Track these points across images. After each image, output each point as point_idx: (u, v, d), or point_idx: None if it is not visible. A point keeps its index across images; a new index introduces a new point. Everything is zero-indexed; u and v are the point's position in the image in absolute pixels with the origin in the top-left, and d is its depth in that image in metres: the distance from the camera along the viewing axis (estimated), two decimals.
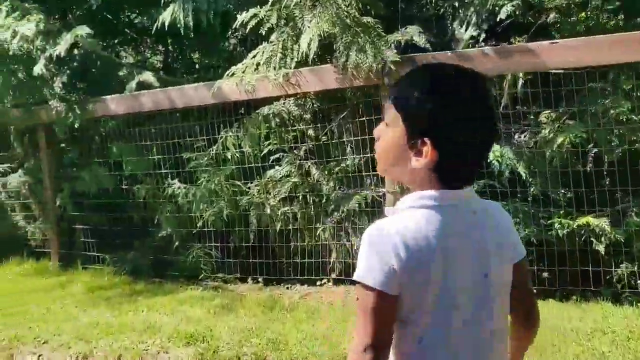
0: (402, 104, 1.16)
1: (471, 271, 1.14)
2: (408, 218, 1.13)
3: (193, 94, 4.79)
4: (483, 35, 4.50)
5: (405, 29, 4.20)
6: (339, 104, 4.46)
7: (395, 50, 3.87)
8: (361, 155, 4.33)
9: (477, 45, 4.43)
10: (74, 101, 5.36)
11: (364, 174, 4.33)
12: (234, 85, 4.38)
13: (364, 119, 4.22)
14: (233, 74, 4.47)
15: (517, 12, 4.31)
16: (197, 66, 6.63)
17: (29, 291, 4.74)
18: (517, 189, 4.04)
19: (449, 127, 1.12)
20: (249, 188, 4.72)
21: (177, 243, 5.10)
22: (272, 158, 4.69)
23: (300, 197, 4.56)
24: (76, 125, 5.32)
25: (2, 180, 6.12)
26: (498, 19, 4.29)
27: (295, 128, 4.59)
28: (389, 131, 1.19)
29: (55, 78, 5.41)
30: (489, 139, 1.19)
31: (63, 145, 5.87)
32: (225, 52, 6.04)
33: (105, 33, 6.40)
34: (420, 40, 4.13)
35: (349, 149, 4.48)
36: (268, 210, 4.59)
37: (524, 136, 4.18)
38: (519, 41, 4.19)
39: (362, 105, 4.33)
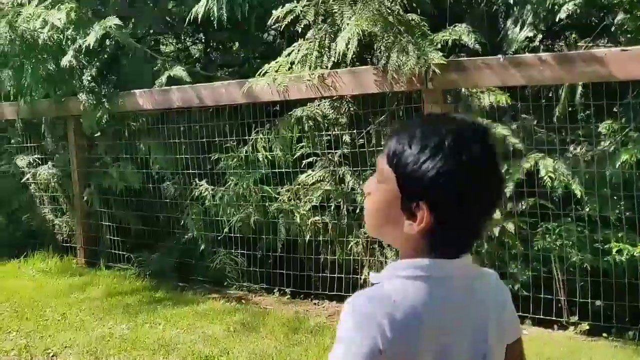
0: (397, 162, 1.04)
1: (468, 351, 1.06)
2: (396, 290, 1.03)
3: (223, 92, 4.52)
4: (540, 37, 4.10)
5: (454, 27, 3.82)
6: (378, 108, 4.11)
7: (440, 53, 3.50)
8: None
9: (531, 46, 4.03)
10: (102, 94, 5.17)
11: None
12: (265, 85, 4.09)
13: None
14: (265, 72, 4.18)
15: (579, 11, 3.88)
16: (235, 55, 6.36)
17: (48, 292, 4.58)
18: (570, 208, 3.65)
19: (450, 192, 1.01)
20: (278, 194, 4.43)
21: (202, 247, 4.86)
22: (304, 163, 4.38)
23: (333, 207, 4.25)
24: (104, 120, 5.13)
25: (32, 172, 5.98)
26: (557, 19, 3.88)
27: (329, 133, 4.27)
28: (381, 188, 1.08)
29: (84, 70, 5.21)
30: (493, 206, 1.10)
31: (92, 138, 5.68)
32: (265, 44, 5.75)
33: (145, 21, 6.16)
34: (470, 40, 3.75)
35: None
36: (298, 219, 4.29)
37: (580, 149, 3.77)
38: (580, 45, 3.78)
39: (403, 111, 3.98)
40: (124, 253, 5.40)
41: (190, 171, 4.90)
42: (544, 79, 3.34)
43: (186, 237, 4.94)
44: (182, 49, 6.86)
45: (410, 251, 1.06)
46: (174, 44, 7.03)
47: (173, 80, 4.96)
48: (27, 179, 6.00)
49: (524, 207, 3.73)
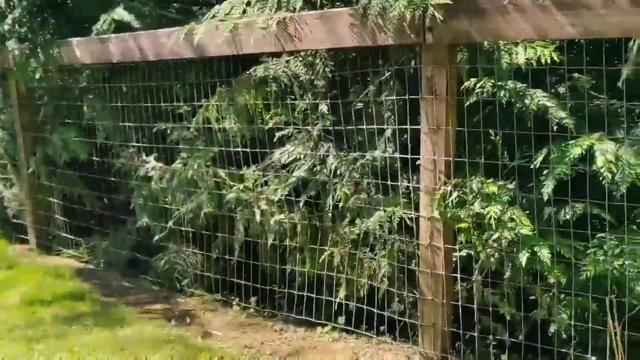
0: None
1: None
2: None
3: (166, 41, 3.39)
4: None
5: None
6: (360, 69, 2.91)
7: None
8: (385, 150, 2.82)
9: None
10: (38, 43, 4.12)
11: (391, 182, 2.81)
12: (204, 33, 2.95)
13: (393, 97, 2.69)
14: (214, 16, 3.05)
15: None
16: None
17: None
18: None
19: None
20: (235, 180, 3.34)
21: (156, 237, 3.84)
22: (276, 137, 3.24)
23: (303, 202, 3.13)
24: (37, 75, 4.10)
25: None
26: None
27: (302, 100, 3.10)
28: None
29: (14, 11, 4.15)
30: None
31: (37, 97, 4.68)
32: None
33: None
34: None
35: (377, 135, 2.97)
36: (258, 217, 3.21)
37: None
38: None
39: (394, 75, 2.78)
40: (74, 237, 4.52)
41: (135, 144, 3.86)
42: (607, 28, 2.09)
43: (137, 224, 3.94)
44: None
45: None
46: None
47: (126, 28, 3.86)
48: None
49: (567, 216, 2.54)
